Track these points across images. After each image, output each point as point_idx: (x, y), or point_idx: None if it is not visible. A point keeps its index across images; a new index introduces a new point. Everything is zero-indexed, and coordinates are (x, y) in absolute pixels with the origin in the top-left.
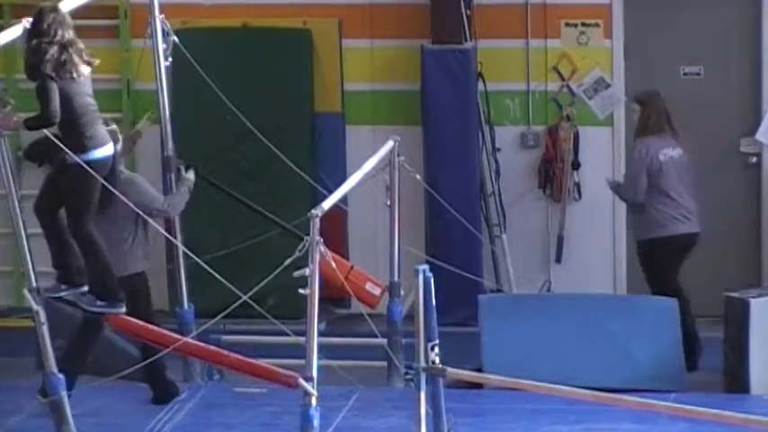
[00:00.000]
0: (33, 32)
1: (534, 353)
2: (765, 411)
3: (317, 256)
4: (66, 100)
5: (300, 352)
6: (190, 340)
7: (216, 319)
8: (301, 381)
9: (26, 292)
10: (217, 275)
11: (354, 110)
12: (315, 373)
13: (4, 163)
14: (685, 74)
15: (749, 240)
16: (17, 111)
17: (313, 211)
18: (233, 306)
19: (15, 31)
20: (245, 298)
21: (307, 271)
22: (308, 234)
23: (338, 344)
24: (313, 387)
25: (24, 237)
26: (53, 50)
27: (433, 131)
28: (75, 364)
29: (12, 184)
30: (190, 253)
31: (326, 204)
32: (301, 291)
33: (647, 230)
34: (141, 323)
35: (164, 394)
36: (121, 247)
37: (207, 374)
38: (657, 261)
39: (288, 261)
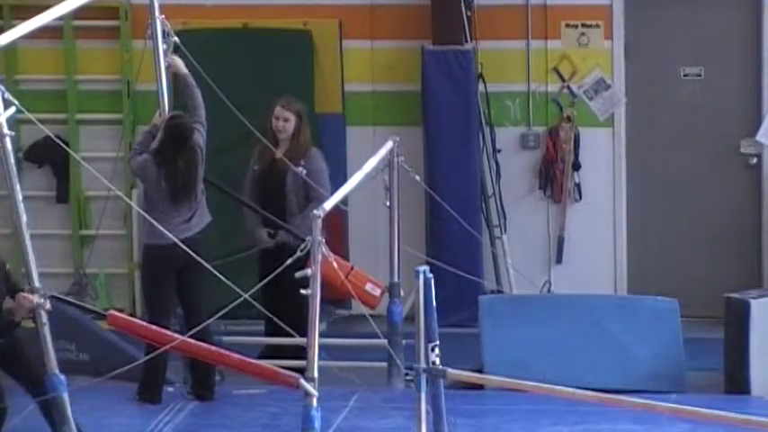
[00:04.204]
0: None
1: (535, 354)
2: (766, 412)
3: (320, 257)
4: None
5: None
6: (191, 340)
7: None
8: (303, 381)
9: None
10: (222, 276)
11: (355, 111)
12: (316, 374)
13: (7, 163)
14: (686, 75)
15: (749, 241)
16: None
17: (315, 211)
18: (234, 303)
19: (15, 32)
20: (245, 296)
21: (309, 271)
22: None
23: (338, 345)
24: (314, 388)
25: (26, 237)
26: None
27: (434, 132)
28: None
29: (15, 185)
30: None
31: (328, 205)
32: (303, 291)
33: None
34: (141, 323)
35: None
36: None
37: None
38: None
39: (289, 260)
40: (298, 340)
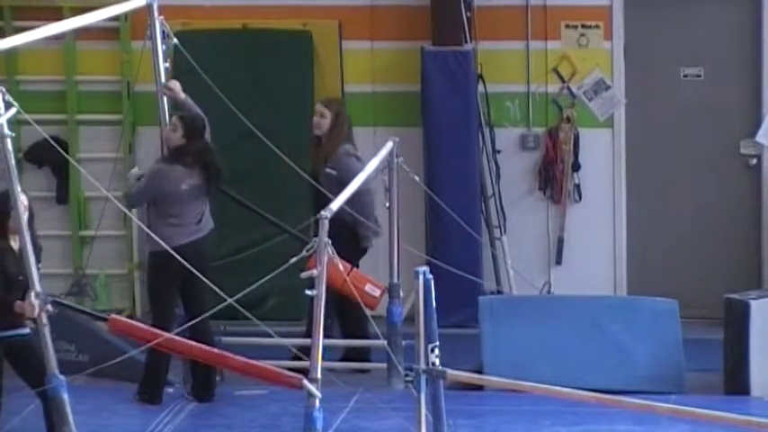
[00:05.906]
0: None
1: (534, 354)
2: (766, 413)
3: (326, 258)
4: None
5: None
6: (193, 343)
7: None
8: (306, 382)
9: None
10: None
11: (355, 111)
12: (319, 375)
13: (8, 164)
14: (685, 75)
15: (749, 242)
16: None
17: (322, 212)
18: (222, 305)
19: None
20: (230, 301)
21: (315, 272)
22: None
23: (338, 345)
24: (317, 389)
25: (27, 238)
26: None
27: (434, 133)
28: None
29: (16, 186)
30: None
31: (334, 206)
32: (308, 292)
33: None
34: (143, 326)
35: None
36: None
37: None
38: None
39: (293, 259)
40: (300, 341)
